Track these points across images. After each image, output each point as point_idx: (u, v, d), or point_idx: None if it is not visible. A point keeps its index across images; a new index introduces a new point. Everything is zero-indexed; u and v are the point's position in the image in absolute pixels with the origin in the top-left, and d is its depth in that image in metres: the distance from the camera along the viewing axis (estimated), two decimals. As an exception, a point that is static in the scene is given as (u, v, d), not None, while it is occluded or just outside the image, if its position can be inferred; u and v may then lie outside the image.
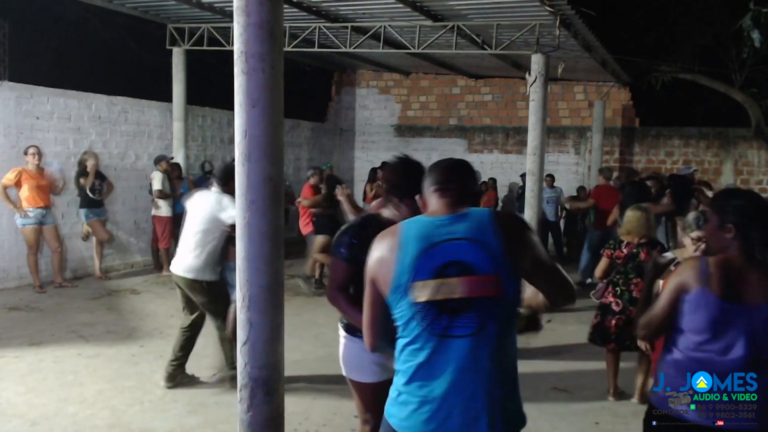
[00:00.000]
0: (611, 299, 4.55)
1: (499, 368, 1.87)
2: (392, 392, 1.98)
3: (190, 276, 4.43)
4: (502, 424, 1.85)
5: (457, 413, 1.83)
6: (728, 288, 2.13)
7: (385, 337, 2.03)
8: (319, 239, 7.65)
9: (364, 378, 2.76)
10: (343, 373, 2.89)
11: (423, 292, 1.84)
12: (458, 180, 2.05)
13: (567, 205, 10.30)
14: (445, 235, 1.89)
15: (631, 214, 4.65)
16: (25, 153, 7.27)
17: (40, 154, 7.34)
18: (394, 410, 1.95)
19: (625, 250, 4.54)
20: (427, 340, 1.86)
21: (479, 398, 1.83)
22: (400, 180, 2.61)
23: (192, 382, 4.70)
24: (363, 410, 2.85)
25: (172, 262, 4.66)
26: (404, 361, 1.93)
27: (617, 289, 4.54)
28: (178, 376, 4.66)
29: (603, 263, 4.65)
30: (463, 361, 1.83)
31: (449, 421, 1.83)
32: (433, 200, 2.03)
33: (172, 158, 9.06)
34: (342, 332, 2.87)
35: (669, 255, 2.74)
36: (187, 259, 4.46)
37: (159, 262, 8.87)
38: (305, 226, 8.01)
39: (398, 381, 1.95)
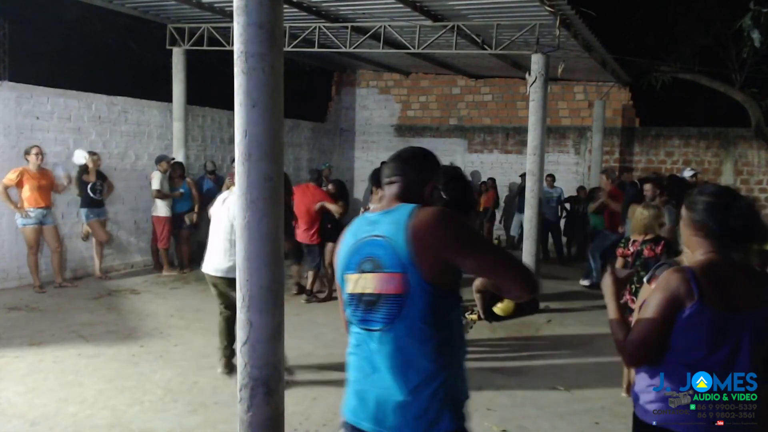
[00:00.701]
0: (628, 297, 4.59)
1: (412, 368, 1.84)
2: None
3: (229, 276, 4.58)
4: (400, 426, 1.84)
5: (370, 405, 1.90)
6: (722, 298, 1.98)
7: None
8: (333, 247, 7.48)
9: None
10: None
11: (349, 285, 1.97)
12: (405, 173, 2.01)
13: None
14: (368, 231, 1.95)
15: (636, 212, 4.81)
16: (28, 153, 7.27)
17: (42, 154, 7.36)
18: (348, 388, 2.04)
19: (631, 248, 4.66)
20: (354, 331, 2.00)
21: (392, 394, 1.86)
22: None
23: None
24: None
25: (205, 263, 4.91)
26: (349, 343, 2.06)
27: (633, 286, 4.58)
28: (234, 364, 4.73)
29: (618, 263, 4.80)
30: (378, 356, 1.89)
31: (361, 411, 1.93)
32: (381, 193, 2.09)
33: (173, 159, 9.07)
34: None
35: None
36: (221, 261, 4.75)
37: (159, 262, 8.87)
38: (312, 236, 7.26)
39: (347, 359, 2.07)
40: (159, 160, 8.65)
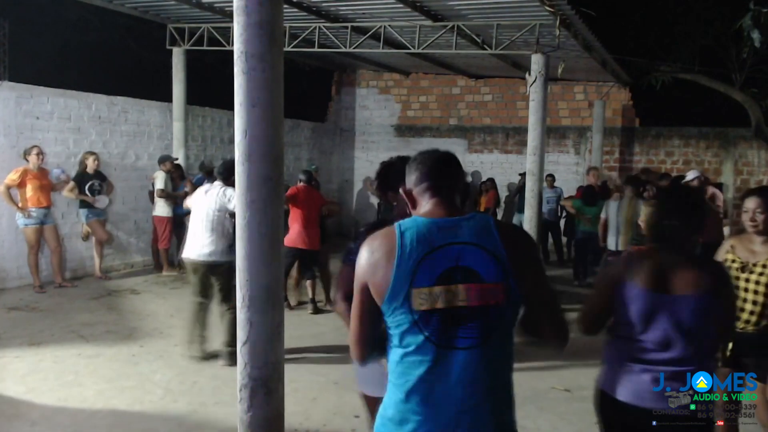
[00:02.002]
0: None
1: (500, 382, 1.81)
2: (386, 410, 1.83)
3: (210, 259, 5.06)
4: None
5: (461, 430, 1.74)
6: (654, 280, 2.25)
7: (375, 347, 1.90)
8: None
9: (378, 392, 2.51)
10: (357, 387, 2.75)
11: (424, 300, 1.72)
12: (452, 177, 1.92)
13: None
14: (448, 238, 1.76)
15: (644, 210, 4.84)
16: (28, 153, 7.27)
17: (43, 154, 7.36)
18: (388, 430, 1.80)
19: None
20: (428, 352, 1.73)
21: (484, 414, 1.75)
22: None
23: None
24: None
25: (186, 250, 5.22)
26: (401, 374, 1.78)
27: None
28: (208, 351, 5.26)
29: None
30: (467, 375, 1.73)
31: None
32: (426, 198, 1.88)
33: (176, 159, 9.08)
34: None
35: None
36: (203, 246, 5.08)
37: (159, 262, 8.87)
38: (315, 241, 6.86)
39: (394, 397, 1.80)
40: (162, 160, 8.65)
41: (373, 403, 2.61)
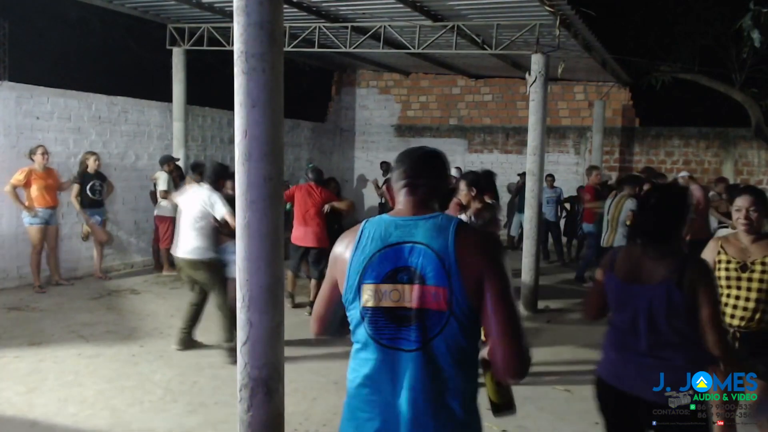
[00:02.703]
0: None
1: (450, 392, 1.69)
2: (344, 408, 1.83)
3: (191, 257, 5.24)
4: None
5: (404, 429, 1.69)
6: (628, 272, 2.45)
7: (330, 329, 1.96)
8: None
9: None
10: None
11: (371, 296, 1.71)
12: (430, 176, 1.84)
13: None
14: (401, 237, 1.73)
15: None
16: (33, 153, 7.29)
17: (47, 153, 7.38)
18: (346, 426, 1.80)
19: None
20: (374, 350, 1.73)
21: (426, 416, 1.68)
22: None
23: (199, 345, 5.51)
24: None
25: (174, 249, 5.46)
26: (352, 370, 1.80)
27: None
28: (188, 342, 5.47)
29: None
30: (410, 377, 1.68)
31: None
32: (400, 196, 1.84)
33: (178, 159, 9.08)
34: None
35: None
36: (186, 243, 5.27)
37: (159, 262, 8.87)
38: (322, 239, 6.73)
39: (349, 392, 1.81)
40: (165, 160, 8.64)
41: None
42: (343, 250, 1.82)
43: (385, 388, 1.72)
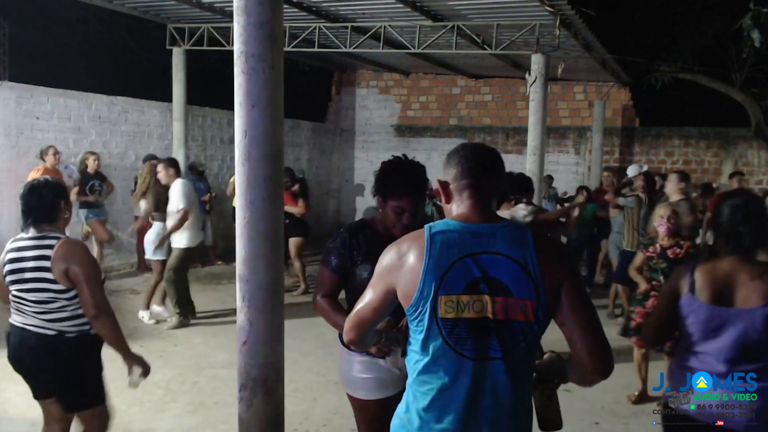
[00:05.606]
0: (653, 294, 4.59)
1: (522, 394, 1.74)
2: (407, 413, 1.77)
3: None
4: None
5: None
6: (716, 293, 2.16)
7: (366, 340, 1.90)
8: (297, 242, 7.64)
9: (363, 395, 2.52)
10: (342, 387, 2.68)
11: (451, 308, 1.65)
12: (492, 176, 1.77)
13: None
14: (480, 246, 1.67)
15: (655, 211, 4.84)
16: (45, 153, 7.33)
17: (59, 153, 7.42)
18: None
19: (651, 250, 4.63)
20: (451, 361, 1.67)
21: (506, 425, 1.71)
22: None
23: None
24: (361, 428, 2.60)
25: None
26: (423, 383, 1.72)
27: (654, 282, 4.59)
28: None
29: (638, 259, 4.85)
30: (489, 386, 1.68)
31: None
32: (463, 197, 1.76)
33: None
34: (341, 346, 2.54)
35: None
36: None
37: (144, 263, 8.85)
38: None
39: (416, 405, 1.74)
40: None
41: (356, 405, 2.58)
42: (408, 259, 1.70)
43: (462, 399, 1.68)
